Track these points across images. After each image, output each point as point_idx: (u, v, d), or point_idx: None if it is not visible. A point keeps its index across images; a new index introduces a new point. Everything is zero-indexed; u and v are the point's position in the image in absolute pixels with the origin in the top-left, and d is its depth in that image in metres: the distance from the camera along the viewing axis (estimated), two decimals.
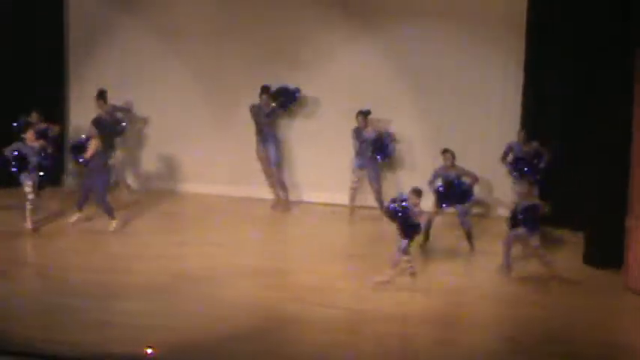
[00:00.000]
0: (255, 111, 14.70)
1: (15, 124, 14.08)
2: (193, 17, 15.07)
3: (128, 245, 13.33)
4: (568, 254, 13.30)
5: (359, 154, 14.46)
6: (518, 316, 11.63)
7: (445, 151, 13.33)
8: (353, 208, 14.62)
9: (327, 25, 14.79)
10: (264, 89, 14.66)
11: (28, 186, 13.35)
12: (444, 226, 13.82)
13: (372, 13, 14.65)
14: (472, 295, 12.08)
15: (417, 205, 11.73)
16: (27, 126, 13.67)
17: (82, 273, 12.42)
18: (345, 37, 14.79)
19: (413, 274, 11.88)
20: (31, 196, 13.36)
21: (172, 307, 11.39)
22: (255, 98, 14.80)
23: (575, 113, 13.75)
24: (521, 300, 12.03)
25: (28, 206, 13.38)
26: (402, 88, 14.82)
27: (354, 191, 14.56)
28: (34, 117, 14.34)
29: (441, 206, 13.18)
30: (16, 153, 13.23)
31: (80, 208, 13.77)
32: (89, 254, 13.05)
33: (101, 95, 14.50)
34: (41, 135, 13.88)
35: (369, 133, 14.36)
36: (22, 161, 13.23)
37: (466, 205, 13.28)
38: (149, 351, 9.95)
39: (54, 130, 14.35)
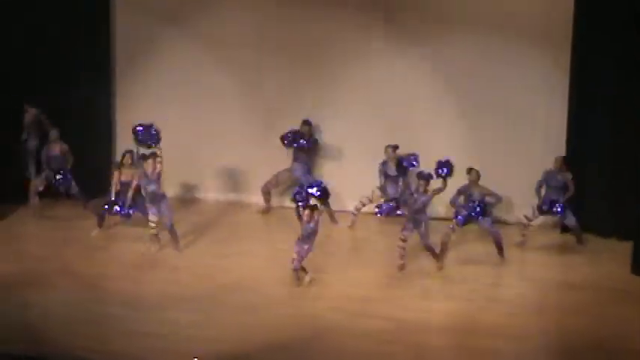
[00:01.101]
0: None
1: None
2: (238, 29, 15.17)
3: (175, 256, 13.43)
4: (616, 264, 13.23)
5: (383, 189, 14.42)
6: (565, 325, 11.57)
7: (470, 170, 13.28)
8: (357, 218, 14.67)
9: (366, 41, 14.86)
10: (306, 123, 14.85)
11: (152, 220, 13.37)
12: (474, 235, 13.88)
13: (417, 29, 14.71)
14: (516, 305, 12.06)
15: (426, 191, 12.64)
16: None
17: (126, 283, 12.54)
18: (384, 53, 14.84)
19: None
20: (153, 229, 13.38)
21: (215, 317, 11.48)
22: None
23: (624, 126, 13.70)
24: (568, 309, 12.00)
25: (152, 232, 13.42)
26: (442, 104, 14.84)
27: (363, 206, 14.59)
28: (52, 135, 14.51)
29: (461, 224, 13.28)
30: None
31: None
32: (133, 265, 13.18)
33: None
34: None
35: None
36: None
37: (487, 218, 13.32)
38: None
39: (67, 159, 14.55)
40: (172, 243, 13.45)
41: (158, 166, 13.18)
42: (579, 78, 14.03)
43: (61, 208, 14.98)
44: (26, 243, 14.00)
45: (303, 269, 12.27)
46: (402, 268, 12.83)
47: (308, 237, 12.18)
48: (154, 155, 13.20)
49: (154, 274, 12.89)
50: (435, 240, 13.17)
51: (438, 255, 12.93)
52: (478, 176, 13.20)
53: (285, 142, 14.77)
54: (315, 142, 15.05)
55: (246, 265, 13.06)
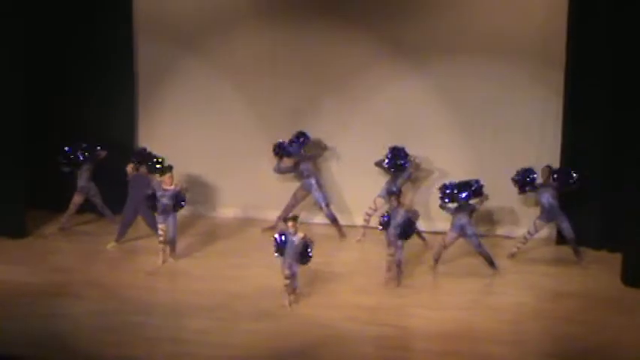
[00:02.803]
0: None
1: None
2: (249, 51, 15.46)
3: (192, 267, 13.80)
4: (607, 274, 13.49)
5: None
6: (559, 332, 11.92)
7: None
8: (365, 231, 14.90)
9: (375, 60, 15.14)
10: (301, 135, 15.13)
11: (160, 228, 13.68)
12: (469, 247, 14.03)
13: (418, 51, 14.99)
14: (512, 312, 12.37)
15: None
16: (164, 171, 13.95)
17: (146, 292, 12.96)
18: (391, 74, 15.12)
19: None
20: (161, 238, 13.68)
21: (228, 324, 11.85)
22: (307, 128, 15.30)
23: (615, 142, 13.98)
24: (561, 317, 12.30)
25: (160, 245, 13.70)
26: (445, 123, 15.12)
27: (370, 217, 14.81)
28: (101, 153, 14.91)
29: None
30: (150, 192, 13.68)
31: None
32: (152, 275, 13.53)
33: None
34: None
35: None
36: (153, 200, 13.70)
37: (476, 236, 13.62)
38: None
39: (101, 154, 14.93)
40: (170, 252, 13.77)
41: (176, 182, 13.66)
42: (572, 96, 14.24)
43: (86, 223, 15.34)
44: (53, 255, 14.27)
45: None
46: (388, 282, 13.06)
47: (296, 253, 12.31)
48: (170, 169, 13.68)
49: (171, 284, 13.29)
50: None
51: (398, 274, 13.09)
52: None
53: (275, 152, 15.06)
54: (303, 148, 15.10)
55: (257, 276, 13.29)
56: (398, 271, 13.06)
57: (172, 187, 13.68)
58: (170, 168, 13.81)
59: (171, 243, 13.78)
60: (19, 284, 13.04)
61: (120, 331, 11.64)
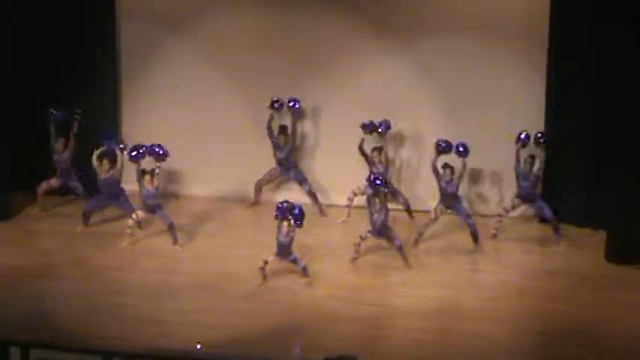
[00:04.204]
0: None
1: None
2: (234, 31, 15.38)
3: (172, 248, 13.74)
4: (591, 252, 13.58)
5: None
6: (544, 310, 12.03)
7: (445, 166, 13.71)
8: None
9: (361, 40, 15.11)
10: (282, 130, 15.15)
11: (136, 213, 13.80)
12: (454, 225, 14.17)
13: (403, 29, 14.97)
14: (496, 290, 12.47)
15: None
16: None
17: (131, 273, 13.04)
18: (378, 51, 15.11)
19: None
20: (131, 222, 13.76)
21: (215, 305, 11.92)
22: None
23: (599, 119, 14.03)
24: (546, 294, 12.40)
25: (129, 222, 13.80)
26: (429, 100, 15.13)
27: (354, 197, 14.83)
28: (59, 144, 14.76)
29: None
30: None
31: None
32: (137, 256, 13.59)
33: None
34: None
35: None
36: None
37: (464, 208, 13.81)
38: (198, 346, 10.45)
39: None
40: (172, 239, 13.78)
41: (155, 181, 13.68)
42: (556, 74, 14.29)
43: (68, 205, 15.24)
44: (37, 237, 14.31)
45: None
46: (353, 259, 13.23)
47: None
48: (152, 171, 13.69)
49: (156, 265, 13.25)
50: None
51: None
52: (452, 172, 13.66)
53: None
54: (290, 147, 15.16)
55: (243, 256, 13.34)
56: (402, 254, 13.15)
57: (154, 185, 13.73)
58: (150, 171, 13.78)
59: (170, 230, 13.78)
60: (2, 266, 13.04)
61: (105, 312, 11.67)
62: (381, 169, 14.45)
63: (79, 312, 11.68)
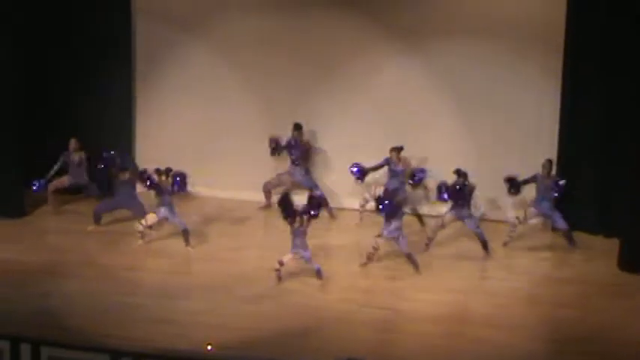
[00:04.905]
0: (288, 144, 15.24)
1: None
2: (246, 32, 15.42)
3: (183, 249, 13.78)
4: (603, 260, 13.59)
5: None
6: (555, 316, 12.03)
7: (458, 172, 13.67)
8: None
9: (373, 42, 15.13)
10: (296, 127, 15.15)
11: (150, 215, 13.85)
12: (466, 231, 14.13)
13: (417, 32, 14.99)
14: (507, 297, 12.46)
15: None
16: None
17: (141, 273, 13.05)
18: (390, 53, 15.13)
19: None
20: (144, 222, 13.81)
21: (225, 306, 11.95)
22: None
23: (612, 127, 14.04)
24: (557, 302, 12.40)
25: (139, 227, 13.83)
26: (442, 105, 15.13)
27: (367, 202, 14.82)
28: (72, 144, 14.78)
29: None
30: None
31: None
32: (147, 256, 13.62)
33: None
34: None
35: (400, 167, 14.62)
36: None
37: (474, 215, 13.79)
38: (209, 347, 10.45)
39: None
40: (185, 241, 13.80)
41: (170, 179, 13.76)
42: (571, 81, 14.29)
43: (80, 203, 15.29)
44: (49, 235, 14.38)
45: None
46: (364, 264, 13.24)
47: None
48: (167, 171, 13.77)
49: (166, 266, 13.29)
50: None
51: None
52: (465, 177, 13.66)
53: (271, 152, 15.19)
54: (305, 146, 15.24)
55: (253, 257, 13.43)
56: (412, 260, 13.15)
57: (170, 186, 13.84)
58: (166, 171, 13.84)
59: (184, 232, 13.82)
60: (14, 263, 13.10)
61: (115, 312, 11.72)
62: (399, 168, 14.49)
63: (88, 311, 11.72)
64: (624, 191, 13.51)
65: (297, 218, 12.60)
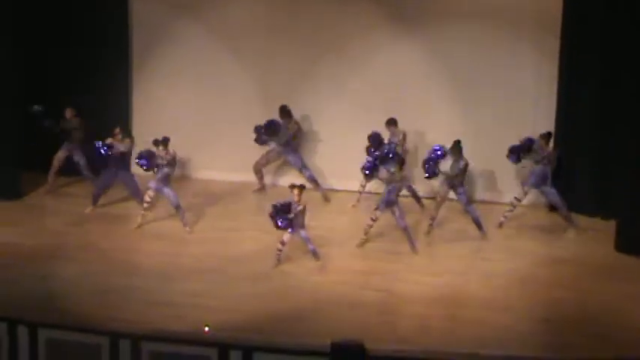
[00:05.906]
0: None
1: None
2: (243, 16, 15.45)
3: (179, 231, 13.79)
4: (600, 241, 13.61)
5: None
6: (551, 298, 12.05)
7: (456, 144, 13.66)
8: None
9: (371, 25, 15.12)
10: (283, 110, 15.09)
11: (148, 194, 13.82)
12: (461, 212, 14.16)
13: (415, 14, 15.00)
14: (504, 278, 12.48)
15: None
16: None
17: (139, 255, 13.10)
18: (387, 35, 15.13)
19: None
20: (146, 205, 13.80)
21: (221, 287, 11.98)
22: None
23: (609, 108, 14.03)
24: (553, 283, 12.43)
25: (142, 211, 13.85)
26: (439, 86, 15.15)
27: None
28: (68, 112, 14.78)
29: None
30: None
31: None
32: (145, 239, 13.63)
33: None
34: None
35: (396, 139, 14.54)
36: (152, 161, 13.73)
37: (466, 194, 13.78)
38: (206, 329, 10.49)
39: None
40: (181, 221, 13.82)
41: (171, 150, 13.69)
42: (568, 63, 14.31)
43: (77, 185, 15.33)
44: (47, 217, 14.35)
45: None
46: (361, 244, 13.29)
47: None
48: (165, 141, 13.69)
49: (164, 247, 13.30)
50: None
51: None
52: (460, 151, 13.67)
53: (256, 141, 15.12)
54: (292, 130, 15.15)
55: (249, 239, 13.43)
56: (408, 235, 13.16)
57: (168, 154, 13.74)
58: (164, 141, 13.77)
59: (179, 211, 13.81)
60: (12, 245, 13.12)
61: (113, 294, 11.75)
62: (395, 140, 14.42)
63: (86, 293, 11.74)
64: (622, 173, 13.51)
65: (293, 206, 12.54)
